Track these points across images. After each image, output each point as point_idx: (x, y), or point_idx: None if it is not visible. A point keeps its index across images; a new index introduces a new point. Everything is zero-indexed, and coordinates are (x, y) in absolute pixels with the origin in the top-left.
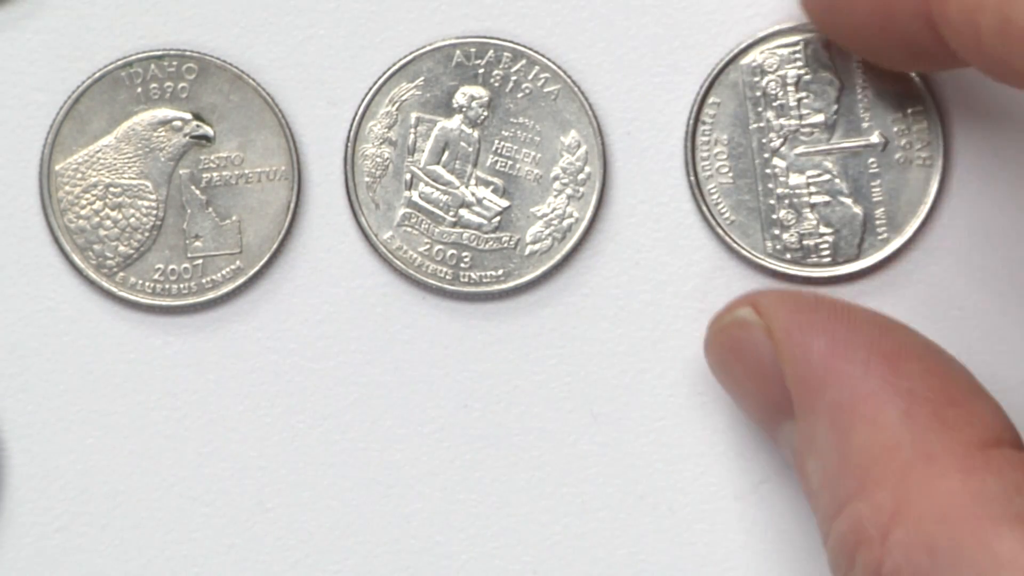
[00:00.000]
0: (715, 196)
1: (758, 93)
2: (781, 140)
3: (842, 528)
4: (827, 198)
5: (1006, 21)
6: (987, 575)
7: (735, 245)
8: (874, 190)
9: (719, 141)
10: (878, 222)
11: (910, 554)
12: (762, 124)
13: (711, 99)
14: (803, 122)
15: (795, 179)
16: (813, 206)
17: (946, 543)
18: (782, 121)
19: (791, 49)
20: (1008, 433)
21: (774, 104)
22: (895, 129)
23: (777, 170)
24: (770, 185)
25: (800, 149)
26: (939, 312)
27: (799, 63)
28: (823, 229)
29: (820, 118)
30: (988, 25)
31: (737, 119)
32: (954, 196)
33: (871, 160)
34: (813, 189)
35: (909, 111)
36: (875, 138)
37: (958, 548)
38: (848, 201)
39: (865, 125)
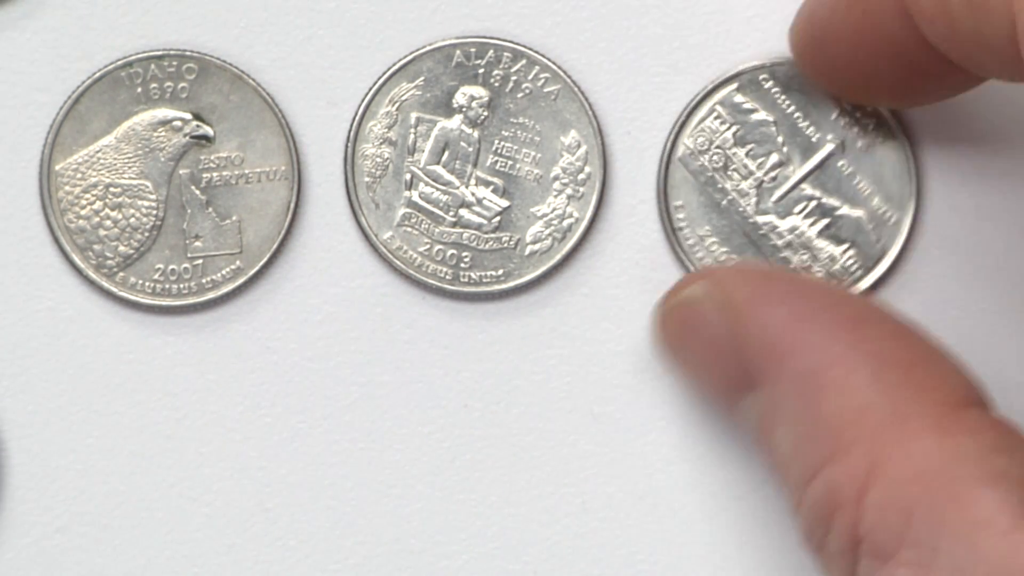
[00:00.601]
0: None
1: (709, 173)
2: (756, 199)
3: (817, 494)
4: (826, 220)
5: None
6: (963, 536)
7: None
8: (859, 186)
9: (704, 236)
10: (880, 210)
11: (885, 514)
12: (731, 197)
13: (673, 204)
14: (763, 171)
15: (789, 223)
16: (819, 234)
17: (922, 503)
18: (745, 184)
19: (711, 119)
20: (975, 394)
21: (729, 172)
22: (841, 124)
23: (769, 226)
24: (772, 243)
25: (776, 195)
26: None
27: (725, 124)
28: (839, 248)
29: (775, 158)
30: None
31: (706, 207)
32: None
33: (840, 163)
34: (809, 221)
35: (844, 102)
36: (830, 144)
37: (934, 508)
38: (845, 210)
39: (815, 139)
